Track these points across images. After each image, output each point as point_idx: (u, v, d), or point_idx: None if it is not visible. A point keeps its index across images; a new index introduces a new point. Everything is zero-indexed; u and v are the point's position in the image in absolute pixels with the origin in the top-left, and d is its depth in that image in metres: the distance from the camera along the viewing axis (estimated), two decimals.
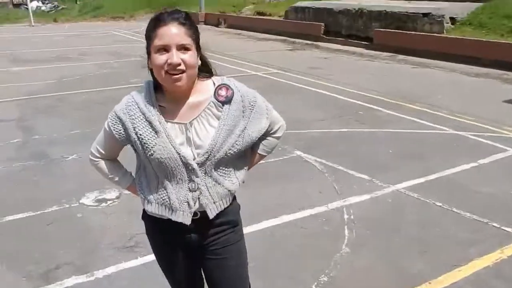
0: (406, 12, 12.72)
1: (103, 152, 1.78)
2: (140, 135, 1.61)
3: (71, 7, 33.73)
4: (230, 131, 1.63)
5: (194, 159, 1.63)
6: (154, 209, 1.71)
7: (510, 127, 6.06)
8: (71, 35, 18.85)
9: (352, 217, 3.76)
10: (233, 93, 1.65)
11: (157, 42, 1.52)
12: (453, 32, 11.68)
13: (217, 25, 20.65)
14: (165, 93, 1.63)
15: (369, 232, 3.55)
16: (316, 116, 6.68)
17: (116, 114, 1.65)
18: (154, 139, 1.60)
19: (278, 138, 1.89)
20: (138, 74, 9.91)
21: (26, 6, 28.52)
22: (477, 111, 6.75)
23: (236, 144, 1.65)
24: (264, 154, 1.89)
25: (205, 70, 1.70)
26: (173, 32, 1.52)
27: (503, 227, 3.58)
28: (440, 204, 3.98)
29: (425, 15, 12.18)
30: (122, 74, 9.93)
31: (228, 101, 1.64)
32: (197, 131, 1.63)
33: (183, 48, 1.53)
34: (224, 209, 1.75)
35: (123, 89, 8.46)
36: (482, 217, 3.74)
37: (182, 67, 1.52)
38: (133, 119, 1.62)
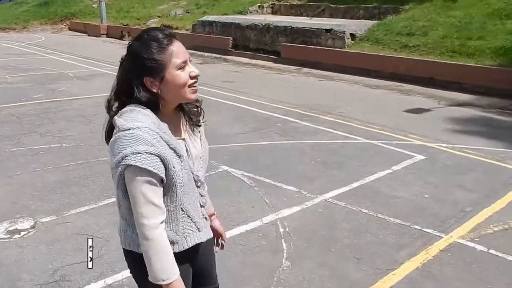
0: (310, 28, 13.34)
1: (163, 207, 1.50)
2: (174, 167, 1.49)
3: None
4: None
5: (198, 171, 1.66)
6: (180, 246, 1.62)
7: (413, 134, 6.56)
8: None
9: (287, 229, 3.78)
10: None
11: (178, 60, 1.51)
12: (354, 47, 12.48)
13: (120, 37, 19.91)
14: (161, 113, 1.54)
15: (305, 244, 3.58)
16: (237, 129, 6.67)
17: (151, 153, 1.43)
18: (179, 164, 1.52)
19: None
20: (39, 89, 9.18)
21: None
22: (383, 121, 7.23)
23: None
24: None
25: None
26: (183, 46, 1.54)
27: (424, 229, 3.84)
28: (366, 211, 4.17)
29: (328, 31, 12.87)
30: (22, 90, 9.11)
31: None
32: (191, 142, 1.65)
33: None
34: None
35: (27, 106, 7.77)
36: (405, 221, 3.97)
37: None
38: (165, 152, 1.47)
